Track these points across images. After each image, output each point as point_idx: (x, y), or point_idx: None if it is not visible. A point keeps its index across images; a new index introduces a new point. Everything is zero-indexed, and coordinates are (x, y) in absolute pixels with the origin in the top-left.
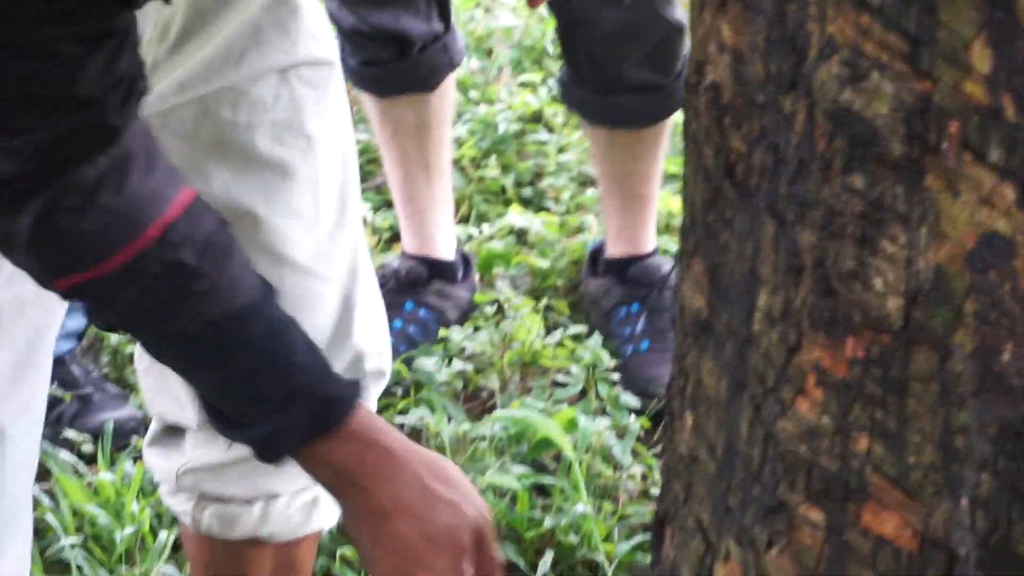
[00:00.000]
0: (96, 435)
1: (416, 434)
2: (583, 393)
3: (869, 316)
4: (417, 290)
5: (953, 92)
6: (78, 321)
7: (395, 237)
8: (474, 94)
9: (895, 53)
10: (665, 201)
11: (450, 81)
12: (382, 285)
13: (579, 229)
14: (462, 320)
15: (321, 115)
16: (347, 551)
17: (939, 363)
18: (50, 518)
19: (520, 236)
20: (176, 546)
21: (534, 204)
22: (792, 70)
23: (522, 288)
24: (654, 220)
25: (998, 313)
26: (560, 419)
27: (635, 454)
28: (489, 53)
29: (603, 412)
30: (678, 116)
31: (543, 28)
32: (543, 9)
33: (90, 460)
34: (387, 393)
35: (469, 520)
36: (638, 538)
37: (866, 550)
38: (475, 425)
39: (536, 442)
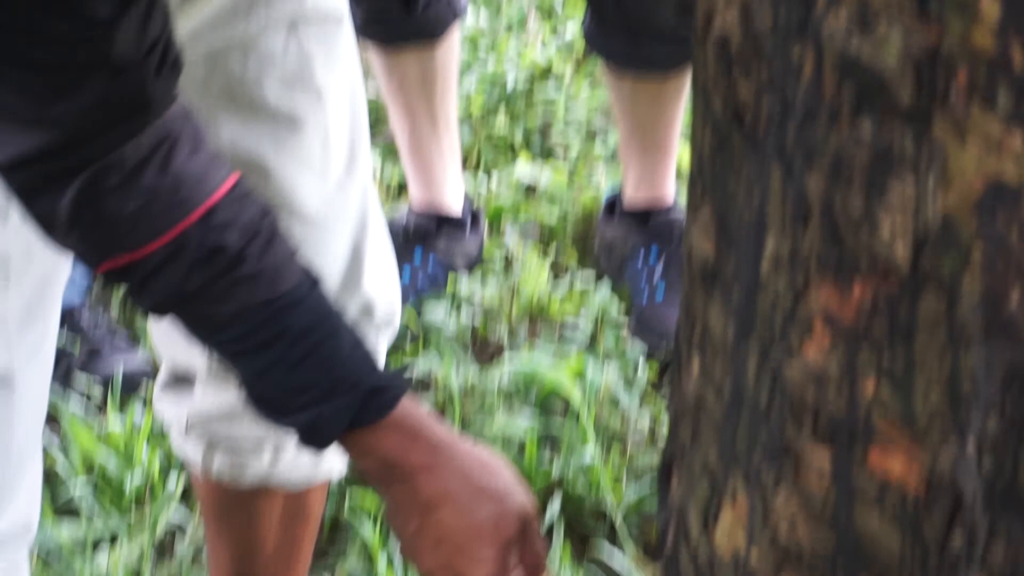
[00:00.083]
0: (106, 382)
1: (425, 383)
2: (592, 342)
3: (877, 261)
4: (426, 241)
5: (961, 41)
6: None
7: (404, 190)
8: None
9: (903, 2)
10: (684, 153)
11: (455, 33)
12: (391, 237)
13: (587, 181)
14: (471, 270)
15: (331, 68)
16: (356, 501)
17: (946, 308)
18: (61, 464)
19: (529, 189)
20: (185, 492)
21: (542, 157)
22: (800, 19)
23: (531, 239)
24: (673, 169)
25: (1006, 258)
26: (568, 367)
27: (643, 402)
28: (499, 10)
29: (612, 359)
30: None
31: None
32: None
33: (100, 407)
34: (396, 343)
35: (514, 511)
36: (646, 484)
37: (872, 492)
38: (484, 374)
39: (545, 390)
